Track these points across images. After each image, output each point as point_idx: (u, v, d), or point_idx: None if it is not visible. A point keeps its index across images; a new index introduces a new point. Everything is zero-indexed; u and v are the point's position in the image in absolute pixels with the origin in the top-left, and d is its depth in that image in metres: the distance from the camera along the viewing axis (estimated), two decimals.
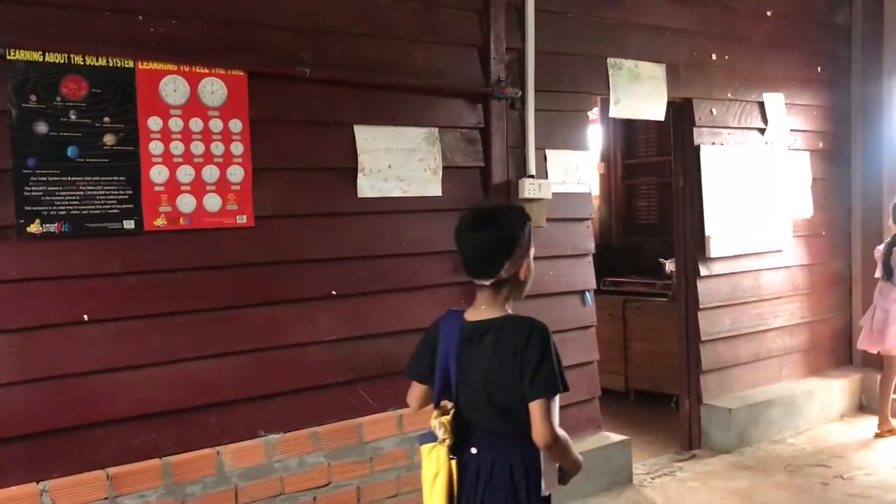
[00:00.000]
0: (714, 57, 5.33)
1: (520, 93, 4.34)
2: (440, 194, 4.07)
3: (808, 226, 6.02)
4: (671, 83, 5.04)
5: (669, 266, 6.20)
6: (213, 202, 3.39)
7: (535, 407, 2.15)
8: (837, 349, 6.36)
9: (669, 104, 5.08)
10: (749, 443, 5.33)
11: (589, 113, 4.92)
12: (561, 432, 2.20)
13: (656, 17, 5.03)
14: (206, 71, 3.37)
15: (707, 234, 5.29)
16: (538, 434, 2.15)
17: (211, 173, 3.38)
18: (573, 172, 4.65)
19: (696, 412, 5.36)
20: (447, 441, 2.24)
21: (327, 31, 3.73)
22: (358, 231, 3.83)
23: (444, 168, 4.08)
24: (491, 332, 2.25)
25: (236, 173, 3.44)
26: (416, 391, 2.43)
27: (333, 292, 3.73)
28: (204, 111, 3.36)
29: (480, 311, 2.31)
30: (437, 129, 4.07)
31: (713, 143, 5.35)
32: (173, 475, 3.27)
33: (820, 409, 5.84)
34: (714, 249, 5.31)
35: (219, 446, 3.42)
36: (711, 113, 5.34)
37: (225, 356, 3.46)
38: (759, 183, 5.62)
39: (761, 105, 5.64)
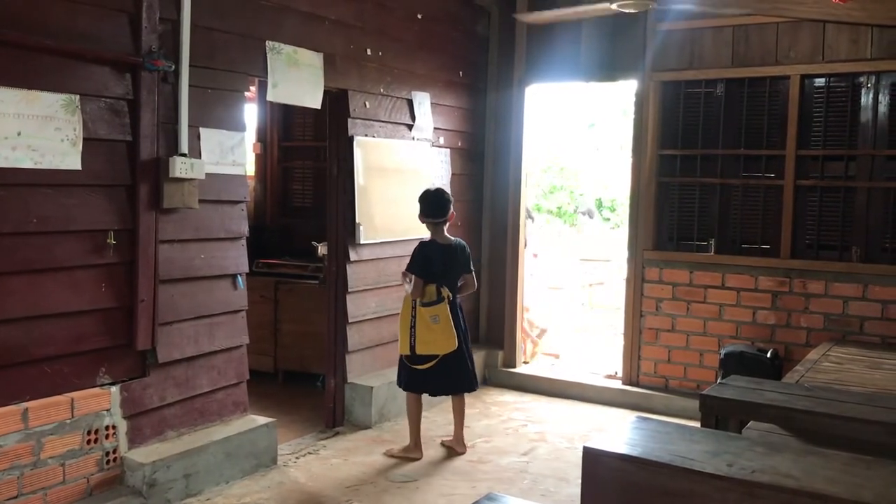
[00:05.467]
0: (369, 52, 5.57)
1: (173, 66, 4.15)
2: (80, 168, 3.76)
3: None
4: (328, 73, 5.17)
5: (322, 249, 6.37)
6: None
7: (470, 276, 5.12)
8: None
9: (326, 93, 5.21)
10: (388, 418, 5.70)
11: (246, 92, 4.87)
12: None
13: (315, 5, 5.11)
14: None
15: (357, 220, 5.53)
16: (472, 284, 5.17)
17: None
18: (228, 153, 4.57)
19: (341, 391, 5.59)
20: (447, 299, 4.89)
21: None
22: None
23: (85, 140, 3.77)
24: (452, 247, 5.00)
25: None
26: (420, 283, 4.84)
27: None
28: None
29: (441, 238, 5.00)
30: (78, 97, 3.74)
31: (366, 135, 5.60)
32: None
33: None
34: (363, 236, 5.57)
35: None
36: (365, 105, 5.58)
37: None
38: (406, 175, 6.00)
39: (410, 102, 6.02)
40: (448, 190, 6.48)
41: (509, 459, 5.10)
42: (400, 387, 5.11)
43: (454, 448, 5.15)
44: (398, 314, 6.01)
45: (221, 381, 4.60)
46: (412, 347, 4.89)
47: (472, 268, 5.15)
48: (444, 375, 4.96)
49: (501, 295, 7.07)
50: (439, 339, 4.89)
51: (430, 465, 4.94)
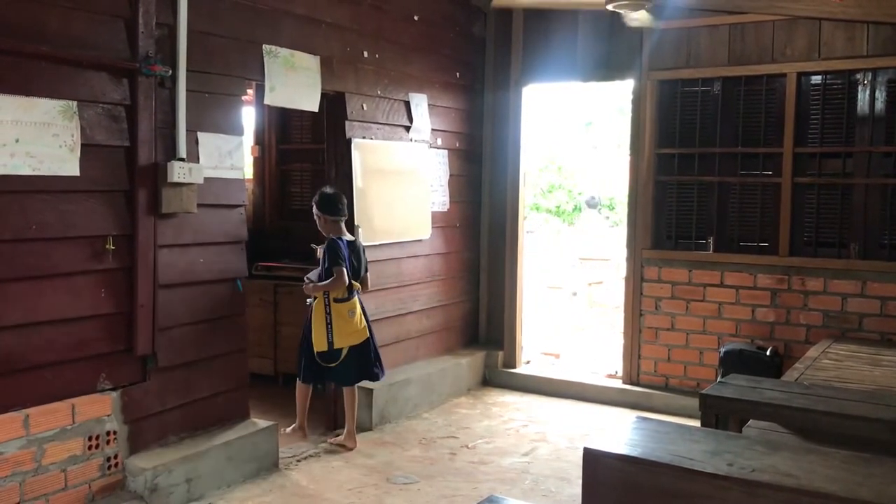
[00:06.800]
0: (366, 54, 5.57)
1: (170, 71, 4.16)
2: (78, 174, 3.77)
3: (445, 218, 6.58)
4: (325, 76, 5.18)
5: (321, 251, 6.36)
6: None
7: (366, 275, 5.20)
8: (467, 329, 7.05)
9: (323, 96, 5.21)
10: (389, 420, 5.71)
11: (243, 96, 4.88)
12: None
13: (312, 8, 5.12)
14: None
15: (356, 223, 5.53)
16: (367, 283, 5.21)
17: None
18: (226, 157, 4.58)
19: (342, 393, 5.58)
20: (358, 292, 5.08)
21: None
22: None
23: (83, 146, 3.78)
24: (356, 245, 5.17)
25: None
26: (345, 274, 4.94)
27: None
28: None
29: (346, 235, 5.10)
30: (75, 103, 3.75)
31: (363, 137, 5.61)
32: None
33: (451, 384, 6.43)
34: (362, 238, 5.56)
35: None
36: (362, 108, 5.58)
37: None
38: (404, 177, 6.01)
39: (407, 104, 6.03)
40: (448, 191, 6.55)
41: (511, 460, 5.11)
42: (299, 379, 5.22)
43: (345, 445, 5.18)
44: (397, 316, 6.08)
45: (222, 385, 4.60)
46: (330, 343, 4.98)
47: (367, 268, 5.28)
48: (353, 366, 5.10)
49: (501, 295, 7.07)
50: (356, 330, 5.06)
51: (431, 466, 4.95)
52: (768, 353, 5.61)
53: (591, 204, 13.78)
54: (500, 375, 6.93)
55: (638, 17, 5.00)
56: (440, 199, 6.51)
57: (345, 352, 5.04)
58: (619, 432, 2.95)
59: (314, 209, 5.10)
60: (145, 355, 4.13)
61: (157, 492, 4.03)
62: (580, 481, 2.83)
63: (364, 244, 5.58)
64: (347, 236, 5.12)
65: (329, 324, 4.97)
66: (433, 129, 6.35)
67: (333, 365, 5.04)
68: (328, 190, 5.19)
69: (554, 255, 11.65)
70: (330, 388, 5.59)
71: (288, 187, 7.67)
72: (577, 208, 15.52)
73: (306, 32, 5.07)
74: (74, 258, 3.79)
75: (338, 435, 5.33)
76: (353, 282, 5.05)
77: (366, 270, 5.24)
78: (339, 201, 5.11)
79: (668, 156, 6.32)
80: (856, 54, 5.64)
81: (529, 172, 7.28)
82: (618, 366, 6.67)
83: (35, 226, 3.61)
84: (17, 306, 3.57)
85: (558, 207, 15.64)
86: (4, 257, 3.51)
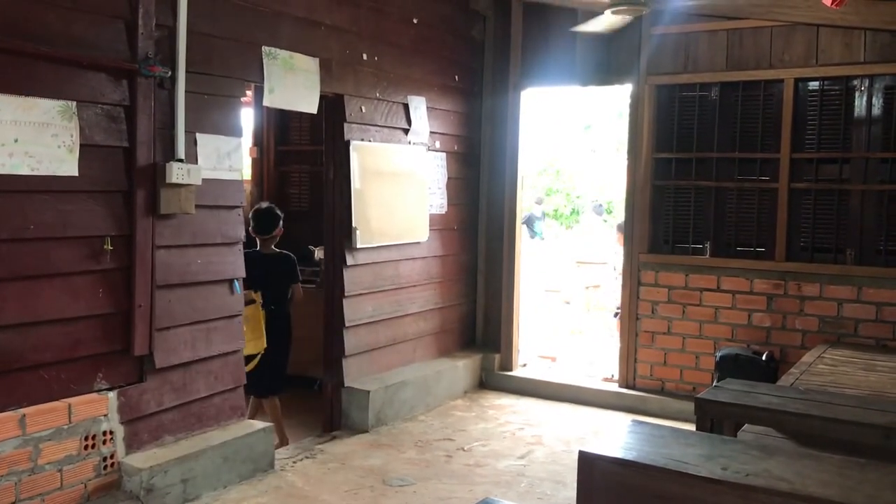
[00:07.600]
0: (365, 57, 5.58)
1: (170, 72, 4.17)
2: (76, 174, 3.77)
3: (443, 220, 6.59)
4: (324, 78, 5.19)
5: (318, 253, 6.38)
6: None
7: (297, 286, 5.35)
8: (464, 332, 7.06)
9: (322, 98, 5.22)
10: (385, 422, 5.71)
11: (242, 97, 4.88)
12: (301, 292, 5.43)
13: (311, 10, 5.13)
14: None
15: (354, 224, 5.54)
16: (297, 293, 5.37)
17: None
18: (224, 159, 4.58)
19: (338, 395, 5.60)
20: (258, 303, 5.07)
21: None
22: None
23: (82, 146, 3.79)
24: (272, 258, 5.29)
25: None
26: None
27: None
28: None
29: (266, 249, 5.29)
30: (74, 104, 3.76)
31: (362, 139, 5.62)
32: None
33: (447, 386, 6.44)
34: (360, 240, 5.58)
35: None
36: (361, 110, 5.59)
37: None
38: (402, 179, 6.01)
39: (406, 107, 6.04)
40: (446, 193, 6.55)
41: (506, 463, 5.11)
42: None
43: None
44: (394, 318, 6.09)
45: (218, 385, 4.61)
46: None
47: (298, 278, 5.37)
48: (255, 376, 5.02)
49: (498, 298, 7.08)
50: (250, 339, 4.99)
51: (427, 468, 4.96)
52: (764, 357, 5.63)
53: (598, 211, 13.85)
54: (496, 378, 6.93)
55: (593, 25, 5.04)
56: (438, 201, 6.52)
57: (254, 359, 5.03)
58: (615, 436, 2.96)
59: None
60: (142, 355, 4.14)
61: (153, 492, 4.03)
62: (575, 484, 2.84)
63: (362, 246, 5.60)
64: (268, 250, 5.29)
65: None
66: (431, 132, 6.36)
67: (247, 369, 4.93)
68: (262, 206, 5.42)
69: (551, 258, 11.66)
70: (327, 389, 5.60)
71: (286, 189, 7.68)
72: (574, 212, 15.54)
73: (306, 34, 5.08)
74: (72, 258, 3.79)
75: (334, 437, 5.34)
76: (256, 292, 5.07)
77: (294, 281, 5.33)
78: (259, 219, 5.29)
79: (666, 160, 6.34)
80: (853, 61, 5.66)
81: (527, 176, 7.28)
82: (614, 369, 6.68)
83: (33, 226, 3.62)
84: (15, 306, 3.57)
85: (556, 211, 15.66)
86: (2, 257, 3.51)
